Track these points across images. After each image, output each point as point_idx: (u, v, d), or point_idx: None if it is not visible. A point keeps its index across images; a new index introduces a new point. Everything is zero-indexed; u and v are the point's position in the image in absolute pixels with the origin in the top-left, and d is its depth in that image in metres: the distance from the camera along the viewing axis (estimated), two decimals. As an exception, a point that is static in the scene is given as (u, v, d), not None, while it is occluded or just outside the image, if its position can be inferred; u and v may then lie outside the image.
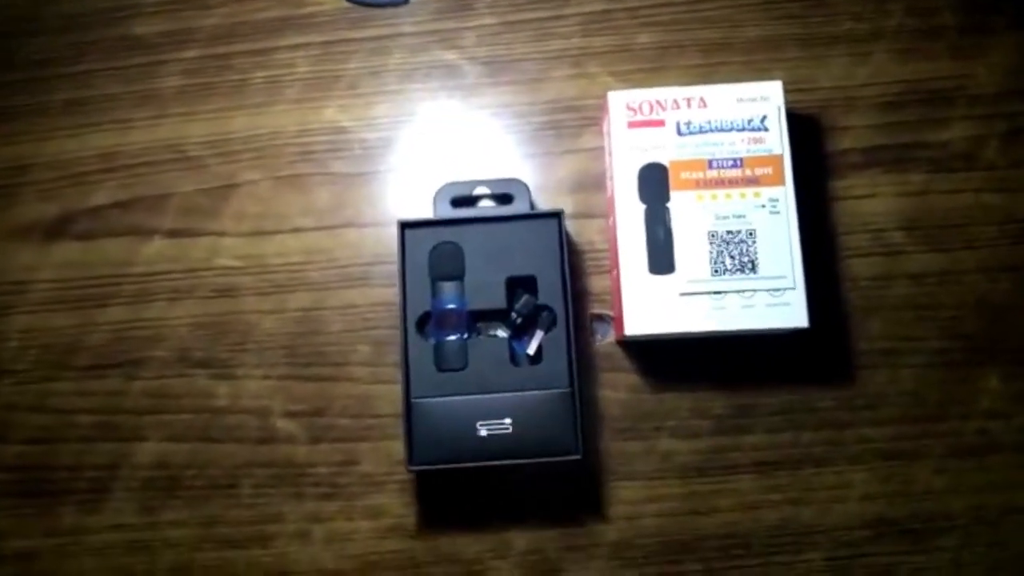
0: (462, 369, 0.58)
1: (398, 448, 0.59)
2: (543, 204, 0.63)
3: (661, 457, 0.60)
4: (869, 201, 0.62)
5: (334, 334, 0.62)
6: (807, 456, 0.59)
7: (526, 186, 0.61)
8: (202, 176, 0.65)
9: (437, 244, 0.59)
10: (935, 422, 0.60)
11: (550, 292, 0.59)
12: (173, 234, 0.64)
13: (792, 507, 0.59)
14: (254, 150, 0.65)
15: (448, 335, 0.58)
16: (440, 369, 0.58)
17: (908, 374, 0.60)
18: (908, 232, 0.62)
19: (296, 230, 0.64)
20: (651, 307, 0.57)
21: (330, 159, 0.65)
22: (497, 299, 0.59)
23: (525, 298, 0.59)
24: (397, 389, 0.59)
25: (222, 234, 0.64)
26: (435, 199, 0.61)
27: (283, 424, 0.61)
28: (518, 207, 0.61)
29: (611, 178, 0.60)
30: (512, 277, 0.59)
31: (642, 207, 0.58)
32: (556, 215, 0.59)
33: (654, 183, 0.59)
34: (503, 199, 0.62)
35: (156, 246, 0.64)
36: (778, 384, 0.60)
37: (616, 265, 0.59)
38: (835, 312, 0.61)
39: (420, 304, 0.59)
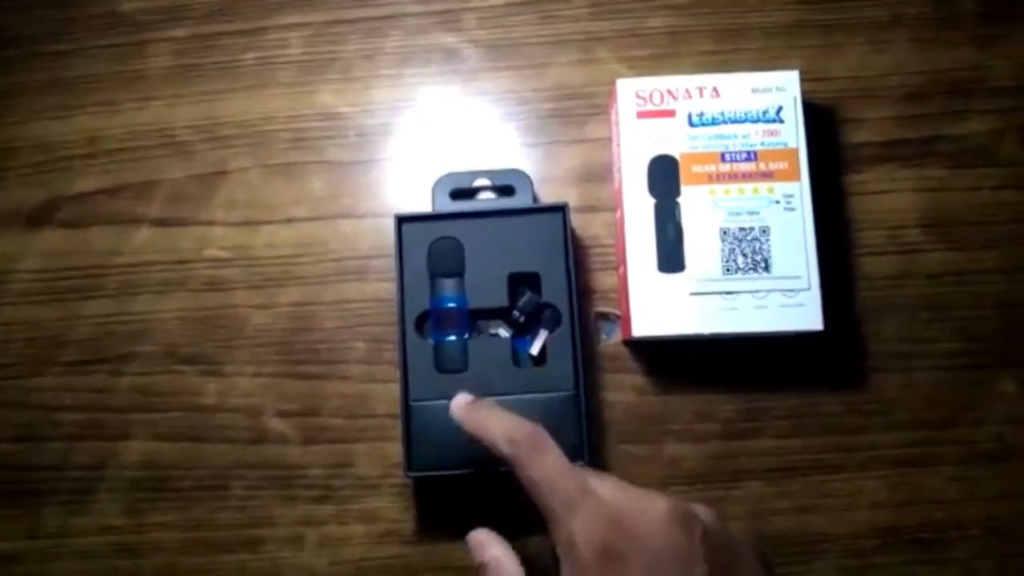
0: (463, 371, 0.52)
1: (394, 450, 0.54)
2: (546, 196, 0.57)
3: (667, 462, 0.54)
4: (885, 197, 0.56)
5: (328, 330, 0.56)
6: (817, 462, 0.54)
7: (528, 178, 0.55)
8: (191, 162, 0.59)
9: (436, 239, 0.53)
10: (949, 428, 0.54)
11: (554, 289, 0.53)
12: (161, 223, 0.58)
13: (801, 515, 0.54)
14: (245, 136, 0.59)
15: (448, 335, 0.53)
16: (440, 370, 0.52)
17: (922, 377, 0.55)
18: (925, 229, 0.56)
19: (288, 220, 0.58)
20: (660, 307, 0.52)
21: (324, 146, 0.59)
22: (499, 297, 0.53)
23: (528, 295, 0.53)
24: (393, 388, 0.53)
25: (211, 223, 0.58)
26: (433, 191, 0.55)
27: (274, 424, 0.56)
28: (520, 200, 0.55)
29: (619, 170, 0.54)
30: (514, 274, 0.53)
31: (651, 201, 0.53)
32: (561, 208, 0.53)
33: (664, 176, 0.53)
34: (504, 191, 0.56)
35: (143, 235, 0.58)
36: (788, 387, 0.55)
37: (623, 262, 0.53)
38: (847, 312, 0.55)
39: (418, 302, 0.53)
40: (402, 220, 0.54)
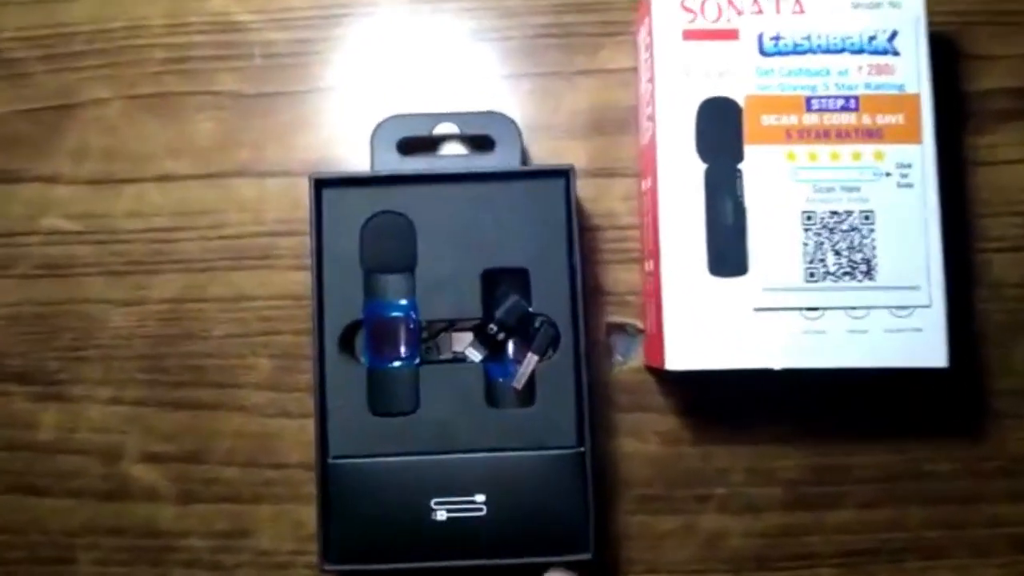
0: (411, 412, 0.35)
1: (311, 515, 0.37)
2: (540, 154, 0.40)
3: (704, 540, 0.38)
4: (1022, 169, 0.40)
5: (218, 340, 0.39)
6: (915, 543, 0.38)
7: (515, 125, 0.38)
8: (23, 91, 0.41)
9: (374, 215, 0.36)
10: (1098, 495, 0.39)
11: (549, 292, 0.36)
12: (-21, 178, 0.40)
13: (889, 617, 0.38)
14: (102, 53, 0.41)
15: (390, 359, 0.36)
16: (376, 412, 0.35)
17: (1063, 424, 0.39)
18: (1074, 216, 0.40)
19: (163, 178, 0.40)
20: (709, 327, 0.35)
21: (217, 71, 0.40)
22: (467, 303, 0.36)
23: (511, 301, 0.36)
24: (311, 427, 0.36)
25: (52, 180, 0.40)
26: (373, 142, 0.38)
27: (140, 472, 0.39)
28: (502, 158, 0.38)
29: (650, 117, 0.37)
30: (491, 269, 0.36)
31: (700, 167, 0.35)
32: (563, 173, 0.36)
33: (721, 130, 0.35)
34: (479, 144, 0.38)
35: (-46, 195, 0.40)
36: (876, 436, 0.39)
37: (654, 255, 0.36)
38: (964, 333, 0.39)
39: (346, 308, 0.36)
40: (321, 184, 0.36)
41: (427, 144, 0.39)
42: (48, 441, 0.39)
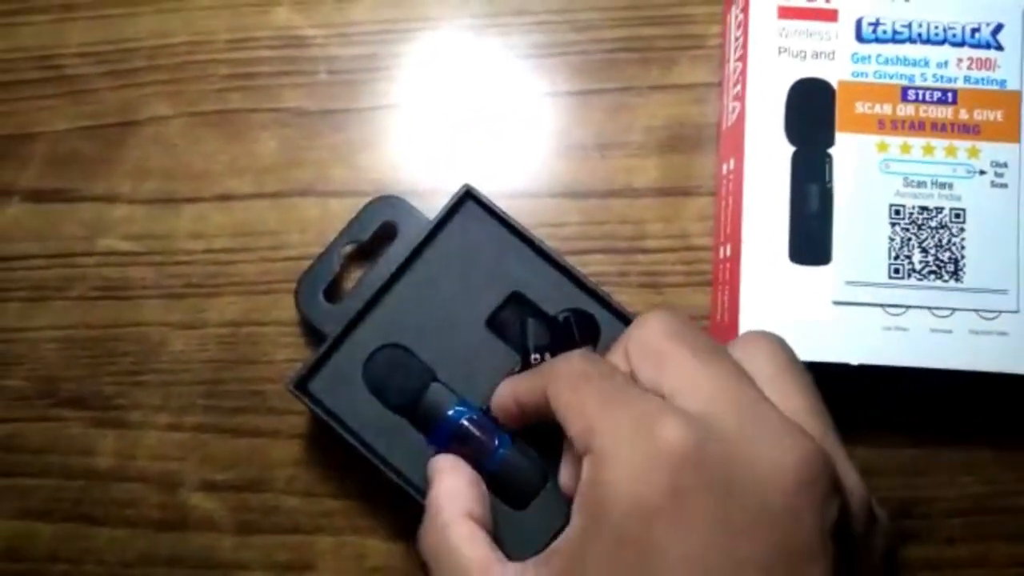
0: (542, 486, 0.33)
1: (372, 547, 0.36)
2: (613, 172, 0.38)
3: None
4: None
5: (280, 364, 0.38)
6: (1005, 581, 0.36)
7: (401, 201, 0.37)
8: (84, 108, 0.40)
9: (369, 357, 0.35)
10: None
11: (553, 295, 0.35)
12: (36, 197, 0.39)
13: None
14: (164, 69, 0.40)
15: (493, 460, 0.33)
16: (518, 507, 0.33)
17: None
18: None
19: (224, 197, 0.39)
20: (785, 318, 0.33)
21: (281, 88, 0.39)
22: (498, 360, 0.34)
23: (530, 324, 0.35)
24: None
25: (112, 199, 0.39)
26: (299, 300, 0.36)
27: (198, 500, 0.37)
28: (413, 231, 0.36)
29: (737, 96, 0.36)
30: (490, 316, 0.35)
31: (788, 150, 0.34)
32: (465, 197, 0.35)
33: (812, 112, 0.35)
34: (380, 238, 0.36)
35: (11, 215, 0.39)
36: (966, 461, 0.37)
37: (733, 239, 0.35)
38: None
39: (415, 455, 0.34)
40: (303, 383, 0.34)
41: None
42: (105, 469, 0.38)
